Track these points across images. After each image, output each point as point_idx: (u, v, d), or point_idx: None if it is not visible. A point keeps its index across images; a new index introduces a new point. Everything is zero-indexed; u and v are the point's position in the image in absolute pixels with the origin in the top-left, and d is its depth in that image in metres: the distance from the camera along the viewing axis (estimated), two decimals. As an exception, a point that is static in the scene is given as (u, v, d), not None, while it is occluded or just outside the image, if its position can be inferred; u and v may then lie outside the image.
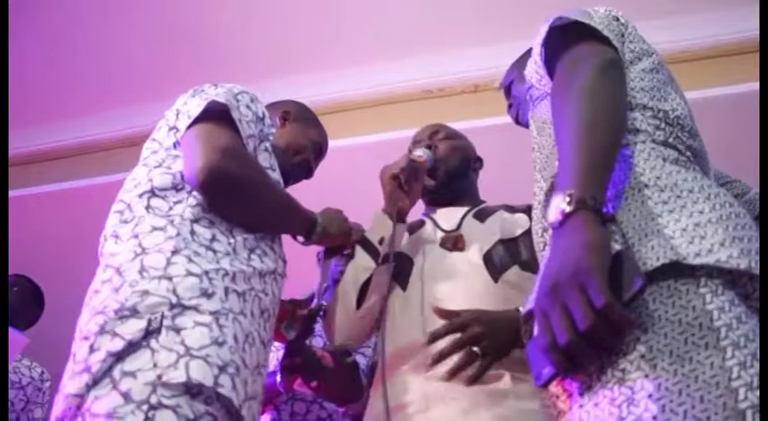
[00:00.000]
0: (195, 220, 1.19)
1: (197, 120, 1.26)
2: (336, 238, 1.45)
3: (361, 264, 1.46)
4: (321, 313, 1.49)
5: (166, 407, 0.98)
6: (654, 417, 0.69)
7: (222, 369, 1.04)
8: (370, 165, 2.82)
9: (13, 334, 2.34)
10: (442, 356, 1.25)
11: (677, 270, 0.77)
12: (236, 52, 3.04)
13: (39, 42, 3.09)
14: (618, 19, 1.07)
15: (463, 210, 1.56)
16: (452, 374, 1.24)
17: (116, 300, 1.08)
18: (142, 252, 1.14)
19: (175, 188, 1.23)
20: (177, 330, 1.05)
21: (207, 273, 1.13)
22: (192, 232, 1.18)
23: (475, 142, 1.78)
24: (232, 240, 1.21)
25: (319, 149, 1.63)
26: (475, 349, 1.25)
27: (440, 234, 1.50)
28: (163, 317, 1.05)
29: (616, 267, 0.75)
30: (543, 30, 1.07)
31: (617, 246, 0.79)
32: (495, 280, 1.38)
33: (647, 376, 0.72)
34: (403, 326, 1.36)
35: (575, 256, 0.75)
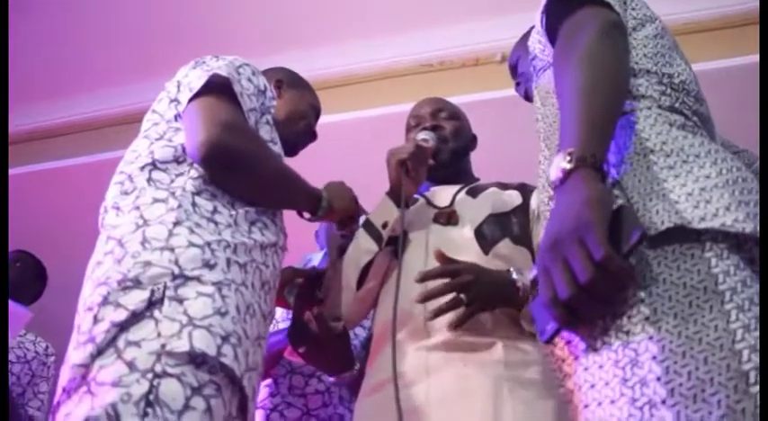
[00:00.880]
0: (197, 193, 1.19)
1: (199, 94, 1.25)
2: (343, 212, 1.46)
3: (364, 246, 1.48)
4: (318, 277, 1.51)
5: (171, 375, 0.98)
6: (657, 378, 0.70)
7: (225, 339, 1.05)
8: (370, 139, 2.83)
9: (17, 308, 2.35)
10: (430, 296, 1.28)
11: (682, 234, 0.77)
12: (233, 26, 3.01)
13: (41, 19, 3.07)
14: None
15: (456, 187, 1.58)
16: (435, 315, 1.27)
17: (118, 272, 1.08)
18: (144, 223, 1.14)
19: (177, 161, 1.22)
20: (180, 300, 1.05)
21: (209, 244, 1.13)
22: (194, 204, 1.18)
23: (475, 116, 1.77)
24: (233, 213, 1.22)
25: (318, 111, 1.64)
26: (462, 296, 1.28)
27: (433, 210, 1.52)
28: (165, 287, 1.05)
29: (616, 222, 0.76)
30: None
31: (619, 201, 0.79)
32: (486, 252, 1.40)
33: (651, 338, 0.72)
34: (401, 295, 1.37)
35: (575, 212, 0.75)
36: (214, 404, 1.01)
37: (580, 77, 0.88)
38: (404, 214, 1.43)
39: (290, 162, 1.47)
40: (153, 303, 1.04)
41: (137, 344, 1.00)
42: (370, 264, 1.47)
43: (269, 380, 1.87)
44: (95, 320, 1.04)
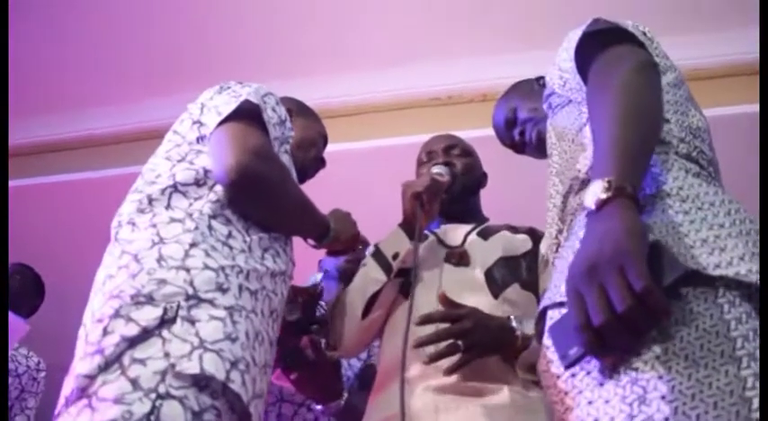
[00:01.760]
0: (213, 216, 1.20)
1: (228, 118, 1.27)
2: (344, 244, 1.48)
3: (372, 275, 1.48)
4: (320, 293, 1.52)
5: (173, 397, 0.98)
6: (666, 418, 0.70)
7: (234, 364, 1.05)
8: (378, 168, 2.85)
9: (15, 320, 2.35)
10: (427, 341, 1.28)
11: (696, 278, 0.77)
12: (248, 53, 3.05)
13: (49, 30, 3.10)
14: (645, 33, 1.09)
15: (467, 227, 1.59)
16: (433, 360, 1.27)
17: (132, 286, 1.09)
18: (160, 241, 1.15)
19: (197, 183, 1.24)
20: (192, 322, 1.05)
21: (223, 268, 1.14)
22: (210, 227, 1.19)
23: (482, 151, 1.79)
24: (248, 238, 1.23)
25: (326, 139, 1.68)
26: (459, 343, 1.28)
27: (444, 249, 1.53)
28: (179, 307, 1.06)
29: (650, 257, 0.76)
30: (575, 34, 1.08)
31: (651, 237, 0.80)
32: (496, 297, 1.41)
33: (660, 377, 0.72)
34: (411, 334, 1.37)
35: (615, 239, 0.75)
36: None
37: (619, 106, 0.89)
38: (417, 247, 1.43)
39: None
40: (165, 321, 1.04)
41: (142, 362, 1.00)
42: (376, 293, 1.47)
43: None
44: (105, 332, 1.04)
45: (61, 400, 1.04)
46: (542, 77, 1.55)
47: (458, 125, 2.78)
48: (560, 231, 1.00)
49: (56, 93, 3.30)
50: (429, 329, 1.31)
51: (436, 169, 1.58)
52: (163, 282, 1.09)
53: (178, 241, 1.15)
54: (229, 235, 1.20)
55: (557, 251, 1.01)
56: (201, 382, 1.02)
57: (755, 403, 0.69)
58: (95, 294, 1.15)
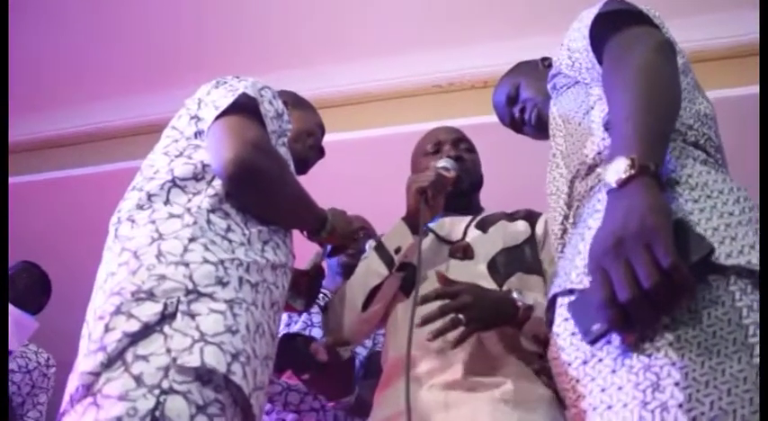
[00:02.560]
0: (212, 210, 1.20)
1: (225, 112, 1.27)
2: (341, 239, 1.48)
3: (373, 268, 1.48)
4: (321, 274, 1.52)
5: (177, 392, 0.98)
6: (680, 405, 0.70)
7: (235, 357, 1.05)
8: (378, 157, 2.84)
9: (24, 317, 2.37)
10: (428, 319, 1.28)
11: (708, 266, 0.77)
12: (247, 44, 3.05)
13: (47, 26, 3.09)
14: (655, 17, 1.08)
15: (465, 219, 1.58)
16: (434, 336, 1.27)
17: (132, 283, 1.09)
18: (159, 237, 1.15)
19: (195, 178, 1.24)
20: (192, 316, 1.06)
21: (222, 262, 1.14)
22: (209, 221, 1.19)
23: (484, 138, 1.78)
24: (247, 231, 1.23)
25: (323, 129, 1.68)
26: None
27: (445, 245, 1.52)
28: (179, 302, 1.06)
29: (675, 235, 0.75)
30: (588, 13, 1.07)
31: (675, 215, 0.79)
32: (500, 286, 1.42)
33: (673, 364, 0.72)
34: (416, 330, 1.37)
35: (640, 215, 0.75)
36: None
37: (640, 86, 0.88)
38: (420, 242, 1.43)
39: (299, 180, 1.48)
40: (165, 317, 1.05)
41: (145, 358, 1.01)
42: (378, 287, 1.47)
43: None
44: (107, 329, 1.05)
45: (66, 398, 1.05)
46: (548, 58, 1.54)
47: (459, 112, 2.77)
48: (566, 217, 0.99)
49: (54, 88, 3.30)
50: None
51: (442, 163, 1.56)
52: (163, 277, 1.09)
53: (177, 236, 1.15)
54: (228, 228, 1.20)
55: (562, 237, 1.00)
56: (204, 376, 1.02)
57: None
58: (97, 292, 1.15)
